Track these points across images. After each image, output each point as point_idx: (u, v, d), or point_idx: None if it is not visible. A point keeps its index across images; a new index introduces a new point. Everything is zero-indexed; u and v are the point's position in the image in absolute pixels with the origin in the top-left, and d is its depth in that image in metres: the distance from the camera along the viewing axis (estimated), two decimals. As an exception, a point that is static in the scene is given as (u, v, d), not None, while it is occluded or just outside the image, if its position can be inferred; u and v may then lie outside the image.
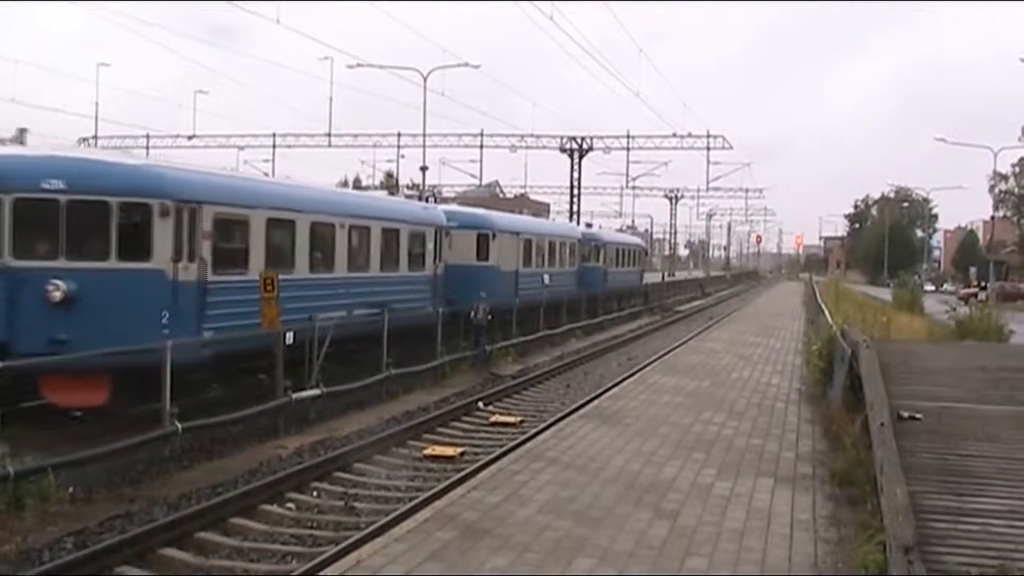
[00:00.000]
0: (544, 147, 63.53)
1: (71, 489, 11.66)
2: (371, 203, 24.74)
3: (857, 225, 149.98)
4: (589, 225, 50.49)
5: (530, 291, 32.97)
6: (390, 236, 23.29)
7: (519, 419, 18.20)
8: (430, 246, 25.41)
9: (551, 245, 37.40)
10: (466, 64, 50.61)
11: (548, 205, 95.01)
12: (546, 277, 35.56)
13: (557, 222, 48.26)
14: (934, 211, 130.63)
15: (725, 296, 76.65)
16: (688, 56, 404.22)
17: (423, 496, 11.77)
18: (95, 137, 63.50)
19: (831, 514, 9.41)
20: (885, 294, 60.34)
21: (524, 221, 39.69)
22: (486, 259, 29.81)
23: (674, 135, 62.68)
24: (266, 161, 63.50)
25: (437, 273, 25.85)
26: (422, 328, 23.77)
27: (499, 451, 14.31)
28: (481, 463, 13.34)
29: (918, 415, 11.05)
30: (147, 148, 60.48)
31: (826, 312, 27.14)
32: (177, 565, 9.93)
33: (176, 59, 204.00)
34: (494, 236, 30.12)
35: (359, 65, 51.89)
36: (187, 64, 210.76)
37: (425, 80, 49.88)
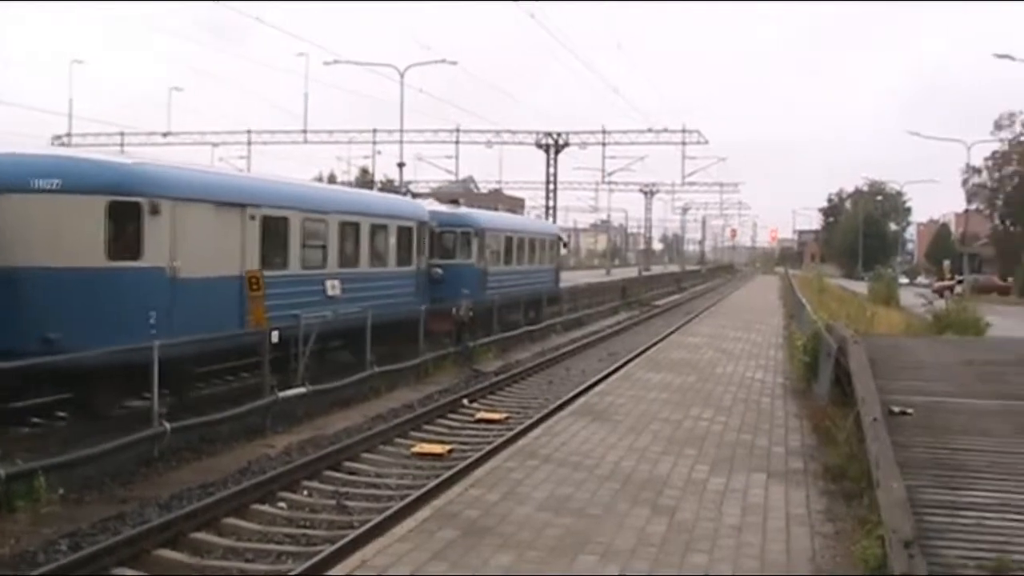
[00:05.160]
0: (520, 143, 63.47)
1: (61, 491, 11.56)
2: None
3: (831, 219, 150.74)
4: (456, 202, 33.47)
5: (286, 313, 18.05)
6: None
7: (505, 416, 18.24)
8: None
9: (348, 230, 21.68)
10: (443, 60, 50.68)
11: (523, 200, 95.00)
12: (331, 285, 20.59)
13: (368, 192, 31.79)
14: (908, 204, 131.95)
15: (701, 291, 76.90)
16: (667, 53, 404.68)
17: (416, 494, 11.79)
18: (69, 135, 63.02)
19: (826, 508, 9.50)
20: (860, 287, 60.69)
21: (260, 185, 20.67)
22: (135, 256, 14.98)
23: (649, 130, 62.67)
24: (242, 158, 63.25)
25: None
26: None
27: (487, 448, 14.36)
28: (473, 460, 13.40)
29: (909, 410, 11.16)
30: (122, 146, 60.01)
31: (808, 307, 27.33)
32: (173, 566, 9.91)
33: (155, 57, 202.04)
34: (155, 210, 15.05)
35: (336, 62, 51.86)
36: (166, 62, 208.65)
37: (402, 76, 49.87)
